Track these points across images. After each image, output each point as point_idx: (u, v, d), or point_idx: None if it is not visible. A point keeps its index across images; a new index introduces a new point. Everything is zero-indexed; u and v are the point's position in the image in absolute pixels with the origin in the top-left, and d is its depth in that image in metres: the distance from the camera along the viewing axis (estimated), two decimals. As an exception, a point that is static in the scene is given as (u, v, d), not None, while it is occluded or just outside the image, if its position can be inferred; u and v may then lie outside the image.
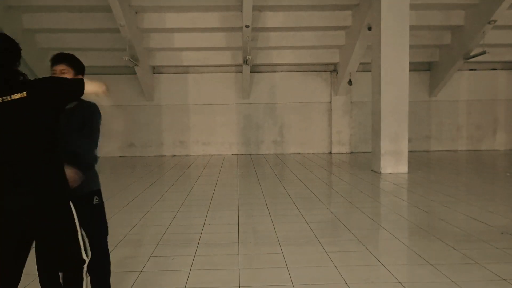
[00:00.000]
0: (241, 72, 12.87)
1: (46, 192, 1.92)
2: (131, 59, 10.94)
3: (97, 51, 12.05)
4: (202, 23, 11.36)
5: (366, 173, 8.98)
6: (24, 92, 1.83)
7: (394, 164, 8.81)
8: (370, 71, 9.36)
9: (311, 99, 13.60)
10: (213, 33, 11.87)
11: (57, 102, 1.94)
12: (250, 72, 12.69)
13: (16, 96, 1.81)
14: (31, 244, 2.03)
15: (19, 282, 2.03)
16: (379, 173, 8.78)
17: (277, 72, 13.52)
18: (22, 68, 2.00)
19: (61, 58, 2.47)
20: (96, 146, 2.51)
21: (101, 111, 2.55)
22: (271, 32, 11.93)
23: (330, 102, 13.61)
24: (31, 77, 1.98)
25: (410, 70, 8.95)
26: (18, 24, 10.73)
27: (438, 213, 5.36)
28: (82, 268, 2.11)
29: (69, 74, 2.41)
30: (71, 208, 2.03)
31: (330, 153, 13.63)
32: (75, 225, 2.05)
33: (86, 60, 2.64)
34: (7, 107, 1.80)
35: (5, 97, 1.81)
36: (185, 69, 13.35)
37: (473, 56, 11.54)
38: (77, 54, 2.57)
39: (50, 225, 1.95)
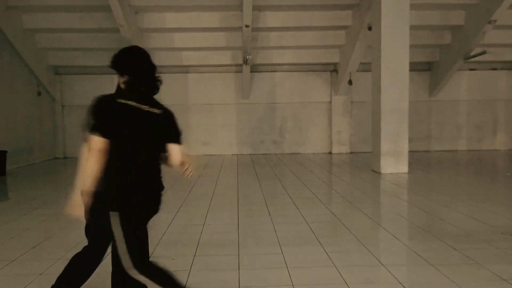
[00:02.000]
0: (241, 72, 12.86)
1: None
2: (131, 59, 10.92)
3: (97, 51, 12.05)
4: (202, 23, 11.36)
5: (366, 173, 8.98)
6: (160, 111, 2.30)
7: (394, 164, 8.81)
8: (370, 71, 9.36)
9: (311, 99, 13.60)
10: (213, 33, 11.87)
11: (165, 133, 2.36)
12: (250, 72, 12.69)
13: (156, 111, 2.28)
14: None
15: None
16: (379, 173, 8.77)
17: (277, 72, 13.52)
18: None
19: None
20: None
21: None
22: (271, 32, 11.93)
23: (330, 102, 13.61)
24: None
25: (410, 70, 8.94)
26: (18, 24, 10.73)
27: (438, 213, 5.35)
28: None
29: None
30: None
31: (330, 153, 13.63)
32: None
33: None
34: (148, 115, 2.25)
35: (150, 108, 2.27)
36: (185, 69, 13.35)
37: (473, 56, 11.54)
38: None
39: None
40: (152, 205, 2.37)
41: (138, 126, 2.23)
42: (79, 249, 2.59)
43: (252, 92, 13.47)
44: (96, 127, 2.15)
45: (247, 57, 11.31)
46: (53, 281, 2.58)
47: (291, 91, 13.50)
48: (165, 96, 12.85)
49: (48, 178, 9.51)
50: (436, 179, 8.10)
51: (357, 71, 12.58)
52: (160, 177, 2.41)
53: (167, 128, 2.34)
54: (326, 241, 4.16)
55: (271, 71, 13.50)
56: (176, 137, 2.37)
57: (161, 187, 2.44)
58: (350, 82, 12.58)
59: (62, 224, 4.99)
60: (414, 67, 12.59)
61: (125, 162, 2.22)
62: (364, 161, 10.89)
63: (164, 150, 2.37)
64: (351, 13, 11.42)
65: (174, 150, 2.34)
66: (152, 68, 2.34)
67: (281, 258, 3.69)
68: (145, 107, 2.25)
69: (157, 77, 2.36)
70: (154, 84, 2.35)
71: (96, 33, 11.51)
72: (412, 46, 9.32)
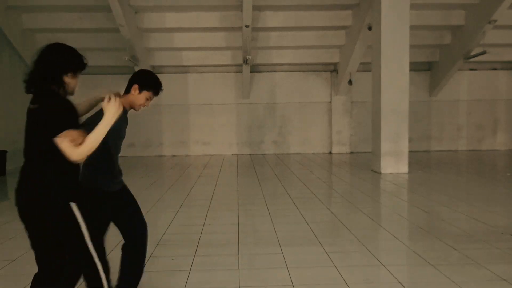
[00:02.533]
0: (241, 72, 12.87)
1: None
2: (131, 59, 10.93)
3: (97, 51, 12.04)
4: (202, 23, 11.36)
5: (366, 173, 8.98)
6: (35, 106, 2.10)
7: (394, 164, 8.81)
8: (370, 71, 9.36)
9: (311, 99, 13.60)
10: (213, 33, 11.87)
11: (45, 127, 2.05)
12: (250, 72, 12.69)
13: (31, 106, 2.11)
14: None
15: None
16: (379, 173, 8.77)
17: (277, 72, 13.52)
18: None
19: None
20: None
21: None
22: (271, 32, 11.93)
23: (330, 102, 13.61)
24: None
25: (410, 70, 8.95)
26: (18, 24, 10.73)
27: (438, 213, 5.35)
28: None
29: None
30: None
31: (330, 153, 13.63)
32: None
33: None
34: (28, 114, 2.12)
35: (31, 105, 2.11)
36: (185, 69, 13.35)
37: (473, 56, 11.54)
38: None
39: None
40: (28, 210, 2.20)
41: (25, 128, 2.15)
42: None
43: (252, 92, 13.47)
44: None
45: (247, 57, 11.31)
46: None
47: (291, 91, 13.51)
48: (165, 96, 12.75)
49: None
50: (436, 179, 8.10)
51: (357, 71, 12.58)
52: (47, 180, 2.09)
53: (43, 124, 2.02)
54: (326, 241, 4.16)
55: (271, 71, 13.50)
56: (50, 133, 1.97)
57: (43, 192, 2.11)
58: (350, 82, 12.58)
59: (62, 224, 4.99)
60: (414, 67, 12.60)
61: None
62: (364, 161, 10.89)
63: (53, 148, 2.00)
64: (351, 13, 11.41)
65: (59, 146, 1.97)
66: (45, 62, 2.11)
67: (281, 258, 3.69)
68: (31, 106, 2.11)
69: (48, 70, 2.10)
70: (42, 78, 2.09)
71: (96, 33, 11.50)
72: (412, 46, 9.33)
